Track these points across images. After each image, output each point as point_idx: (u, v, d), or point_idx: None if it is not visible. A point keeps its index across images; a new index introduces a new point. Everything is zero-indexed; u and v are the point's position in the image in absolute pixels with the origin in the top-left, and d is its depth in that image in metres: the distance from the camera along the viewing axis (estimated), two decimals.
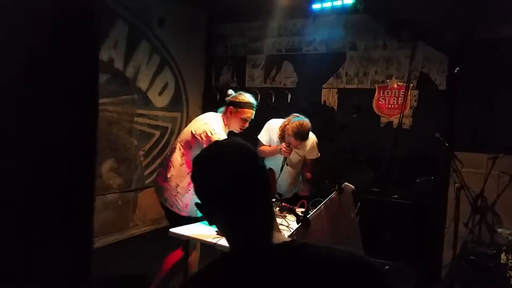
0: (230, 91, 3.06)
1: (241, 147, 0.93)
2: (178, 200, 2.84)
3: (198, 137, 2.79)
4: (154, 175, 4.56)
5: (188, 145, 2.85)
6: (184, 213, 2.85)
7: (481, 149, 4.14)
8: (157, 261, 2.99)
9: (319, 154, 3.66)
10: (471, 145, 4.17)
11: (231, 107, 2.93)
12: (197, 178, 0.91)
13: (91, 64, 0.77)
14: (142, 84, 4.98)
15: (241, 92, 3.03)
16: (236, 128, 3.01)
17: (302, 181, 3.70)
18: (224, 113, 2.97)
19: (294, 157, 3.50)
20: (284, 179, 3.51)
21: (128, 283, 3.57)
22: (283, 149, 3.27)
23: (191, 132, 2.85)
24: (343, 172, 4.34)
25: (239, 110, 2.92)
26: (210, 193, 0.89)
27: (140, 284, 3.50)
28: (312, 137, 3.53)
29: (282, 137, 3.34)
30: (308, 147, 3.53)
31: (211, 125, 2.81)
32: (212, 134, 2.73)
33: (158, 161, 5.10)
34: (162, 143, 5.25)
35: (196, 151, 2.71)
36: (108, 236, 4.66)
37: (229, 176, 0.86)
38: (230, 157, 0.90)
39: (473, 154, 4.19)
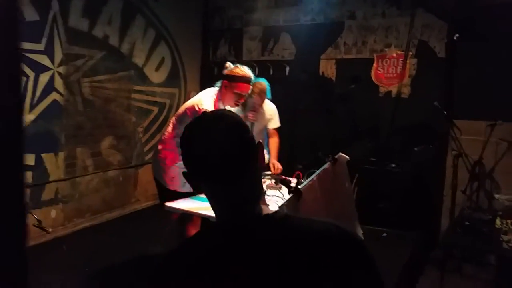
0: (228, 64, 2.91)
1: (228, 116, 0.93)
2: (165, 173, 2.84)
3: (187, 111, 2.77)
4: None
5: (179, 119, 2.85)
6: (171, 187, 2.84)
7: (480, 116, 4.10)
8: (159, 234, 3.05)
9: (279, 123, 3.61)
10: (470, 113, 4.13)
11: (225, 81, 2.79)
12: (184, 145, 0.91)
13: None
14: (138, 60, 4.94)
15: (238, 65, 2.87)
16: (231, 104, 2.86)
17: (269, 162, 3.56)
18: (220, 87, 2.85)
19: (256, 128, 3.47)
20: None
21: (132, 256, 3.64)
22: (250, 115, 3.29)
23: (184, 106, 2.86)
24: (342, 143, 4.35)
25: (233, 84, 2.76)
26: (195, 161, 0.89)
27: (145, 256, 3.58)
28: (271, 106, 3.53)
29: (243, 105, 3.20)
30: (267, 114, 3.50)
31: (200, 99, 2.77)
32: (198, 109, 2.68)
33: (158, 137, 5.11)
34: (160, 119, 5.25)
35: (183, 124, 2.70)
36: (111, 211, 4.74)
37: (214, 143, 0.86)
38: (216, 125, 0.90)
39: (472, 121, 4.16)
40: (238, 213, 0.89)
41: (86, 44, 4.30)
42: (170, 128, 2.90)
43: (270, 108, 3.54)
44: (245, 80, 2.79)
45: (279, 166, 3.38)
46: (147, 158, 5.07)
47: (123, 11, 4.67)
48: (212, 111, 0.97)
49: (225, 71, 2.83)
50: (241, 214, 0.89)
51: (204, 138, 0.88)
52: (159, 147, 2.91)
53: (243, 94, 2.82)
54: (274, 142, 3.57)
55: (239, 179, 0.88)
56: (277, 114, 3.58)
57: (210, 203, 0.94)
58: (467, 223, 3.42)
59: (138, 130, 5.03)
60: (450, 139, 4.18)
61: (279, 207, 1.99)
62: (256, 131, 3.48)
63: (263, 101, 3.38)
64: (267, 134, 3.62)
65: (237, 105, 2.88)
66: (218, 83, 2.89)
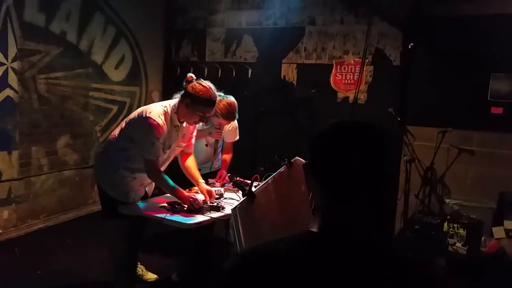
0: (191, 76, 2.63)
1: (380, 133, 0.89)
2: (107, 178, 2.69)
3: (137, 116, 2.62)
4: None
5: (129, 123, 2.70)
6: (112, 194, 2.66)
7: (431, 123, 4.30)
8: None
9: (238, 137, 3.47)
10: (422, 120, 4.32)
11: (188, 99, 2.55)
12: (321, 150, 0.88)
13: None
14: (97, 57, 4.83)
15: (202, 83, 2.60)
16: (189, 122, 2.69)
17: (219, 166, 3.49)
18: (180, 102, 2.60)
19: (210, 139, 3.33)
20: (200, 158, 3.29)
21: (89, 258, 3.57)
22: (216, 135, 3.20)
23: (136, 112, 2.70)
24: (302, 146, 4.43)
25: (196, 107, 2.55)
26: (339, 165, 0.85)
27: (101, 259, 3.52)
28: (234, 121, 3.35)
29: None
30: (229, 127, 3.34)
31: (150, 107, 2.59)
32: (144, 115, 2.51)
33: None
34: (120, 118, 5.15)
35: (128, 129, 2.64)
36: (67, 212, 4.61)
37: (366, 152, 0.84)
38: (368, 133, 0.88)
39: (424, 128, 4.36)
40: (347, 233, 0.86)
41: (43, 40, 4.17)
42: (117, 131, 2.73)
43: (232, 123, 3.36)
44: (210, 103, 2.60)
45: (226, 177, 3.29)
46: None
47: (82, 7, 4.56)
48: (363, 123, 0.91)
49: (189, 88, 2.58)
50: (351, 233, 0.85)
51: (356, 146, 0.85)
52: (103, 149, 2.78)
53: (206, 116, 2.64)
54: (228, 155, 3.47)
55: (375, 194, 0.86)
56: (237, 128, 3.44)
57: (318, 206, 0.90)
58: (416, 226, 3.58)
59: (96, 129, 4.92)
60: (404, 145, 4.36)
61: (232, 209, 2.02)
62: (211, 142, 3.37)
63: (230, 122, 3.24)
64: (222, 146, 3.50)
65: (195, 124, 2.76)
66: (177, 96, 2.67)
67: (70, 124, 4.58)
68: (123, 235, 2.67)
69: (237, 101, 3.25)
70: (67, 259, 3.55)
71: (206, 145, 3.35)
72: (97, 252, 3.65)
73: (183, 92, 2.62)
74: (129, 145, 2.62)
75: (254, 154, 4.99)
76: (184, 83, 2.63)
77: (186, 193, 2.63)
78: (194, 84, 2.58)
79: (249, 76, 5.32)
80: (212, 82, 2.70)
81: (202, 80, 2.64)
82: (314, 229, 0.87)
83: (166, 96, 5.74)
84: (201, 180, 2.84)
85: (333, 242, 0.84)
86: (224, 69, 5.43)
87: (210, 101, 2.58)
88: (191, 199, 2.52)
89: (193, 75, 2.64)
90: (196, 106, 2.55)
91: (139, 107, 5.39)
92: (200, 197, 2.66)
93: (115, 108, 5.12)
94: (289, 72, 5.10)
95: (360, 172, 0.83)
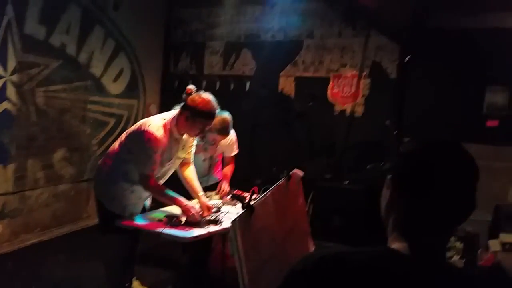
0: (190, 88, 2.59)
1: (471, 157, 0.90)
2: (106, 192, 2.69)
3: (137, 130, 2.59)
4: None
5: (129, 136, 2.68)
6: (110, 208, 2.64)
7: (427, 135, 4.31)
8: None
9: (237, 149, 3.48)
10: (419, 132, 4.34)
11: (187, 111, 2.52)
12: (415, 168, 0.89)
13: None
14: (96, 70, 4.84)
15: (203, 95, 2.57)
16: (190, 134, 2.68)
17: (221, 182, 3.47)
18: (180, 115, 2.57)
19: (206, 154, 3.33)
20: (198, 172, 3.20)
21: (84, 274, 3.52)
22: (211, 151, 3.22)
23: (136, 125, 2.68)
24: (299, 159, 4.44)
25: (196, 119, 2.52)
26: (422, 188, 0.87)
27: (96, 274, 3.47)
28: (232, 134, 3.33)
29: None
30: (227, 142, 3.34)
31: (149, 120, 2.57)
32: (143, 129, 2.49)
33: None
34: (117, 131, 5.14)
35: (128, 142, 2.63)
36: (61, 227, 4.56)
37: (448, 183, 0.85)
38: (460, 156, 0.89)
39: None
40: (437, 257, 0.87)
41: (42, 53, 4.17)
42: (117, 144, 2.71)
43: (230, 137, 3.35)
44: (211, 116, 2.57)
45: (227, 189, 3.29)
46: None
47: (82, 20, 4.58)
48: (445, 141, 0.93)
49: (188, 101, 2.53)
50: (439, 260, 0.87)
51: (450, 167, 0.87)
52: (102, 162, 2.74)
53: (206, 129, 2.64)
54: (229, 168, 3.47)
55: (459, 219, 0.88)
56: (236, 141, 3.43)
57: (404, 225, 0.90)
58: None
59: (93, 142, 4.90)
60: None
61: (231, 222, 2.01)
62: (209, 155, 3.37)
63: (224, 137, 3.22)
64: (223, 160, 3.51)
65: (196, 135, 2.72)
66: (177, 107, 2.64)
67: (67, 137, 4.56)
68: (119, 249, 2.65)
69: (234, 114, 3.24)
70: (61, 274, 3.50)
71: (204, 159, 3.34)
72: (91, 267, 3.59)
73: (182, 104, 2.59)
74: (129, 157, 2.60)
75: (251, 167, 4.98)
76: (184, 96, 2.59)
77: (186, 202, 2.59)
78: (194, 97, 2.54)
79: (247, 89, 5.35)
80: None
81: (202, 92, 2.61)
82: (395, 247, 0.88)
83: (164, 109, 5.72)
84: (201, 193, 2.82)
85: (421, 267, 0.84)
86: (222, 82, 5.46)
87: (210, 114, 2.56)
88: (192, 210, 2.50)
89: (192, 88, 2.60)
90: (196, 118, 2.52)
91: (137, 120, 5.46)
92: (198, 208, 2.64)
93: (112, 121, 5.12)
94: (287, 85, 5.13)
95: (451, 195, 0.85)
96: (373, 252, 0.88)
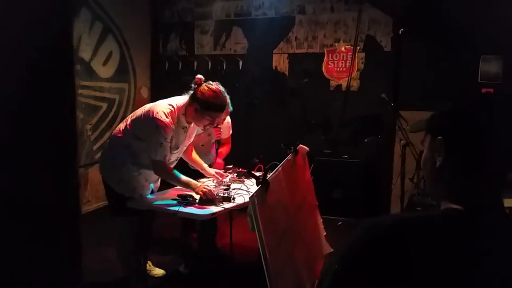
0: (199, 78, 2.60)
1: None
2: (113, 174, 2.66)
3: (143, 115, 2.58)
4: None
5: (135, 120, 2.64)
6: (118, 190, 2.63)
7: (424, 107, 4.36)
8: (113, 236, 2.93)
9: (231, 131, 3.48)
10: (415, 104, 4.38)
11: (197, 104, 2.54)
12: (472, 124, 0.88)
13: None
14: (85, 54, 4.71)
15: (211, 86, 2.58)
16: (199, 125, 2.72)
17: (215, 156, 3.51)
18: (189, 105, 2.59)
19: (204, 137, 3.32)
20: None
21: (88, 258, 3.49)
22: (216, 134, 3.23)
23: (142, 109, 2.66)
24: (296, 136, 4.44)
25: (207, 113, 2.55)
26: (479, 144, 0.86)
27: (101, 258, 3.45)
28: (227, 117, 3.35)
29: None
30: (225, 122, 3.35)
31: (158, 106, 2.56)
32: (151, 115, 2.49)
33: (107, 134, 4.92)
34: (110, 115, 5.05)
35: (134, 127, 2.61)
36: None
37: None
38: None
39: (417, 112, 4.40)
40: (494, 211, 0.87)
41: None
42: (122, 127, 2.69)
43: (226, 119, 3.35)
44: (221, 109, 2.60)
45: (222, 164, 3.35)
46: (97, 157, 4.86)
47: None
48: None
49: (198, 93, 2.55)
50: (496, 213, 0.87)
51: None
52: (108, 146, 2.72)
53: (215, 121, 2.66)
54: (225, 148, 3.49)
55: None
56: (230, 121, 3.43)
57: (460, 183, 0.89)
58: (418, 208, 3.64)
59: (87, 127, 4.81)
60: (397, 130, 4.42)
61: (250, 198, 2.01)
62: (207, 141, 3.36)
63: (228, 114, 3.22)
64: (219, 141, 3.50)
65: (205, 126, 2.73)
66: (185, 96, 2.64)
67: None
68: (132, 231, 2.64)
69: (229, 93, 3.16)
70: None
71: (203, 145, 3.34)
72: (95, 251, 3.58)
73: (191, 94, 2.60)
74: (134, 142, 2.60)
75: (247, 145, 4.98)
76: (193, 85, 2.60)
77: (199, 184, 2.62)
78: (203, 88, 2.55)
79: (240, 68, 5.29)
80: (202, 75, 2.66)
81: (210, 82, 2.61)
82: (454, 206, 0.87)
83: (155, 92, 5.71)
84: (205, 165, 2.93)
85: (481, 222, 0.85)
86: (214, 62, 5.39)
87: (220, 107, 2.58)
88: (205, 190, 2.51)
89: (201, 77, 2.61)
90: (206, 111, 2.55)
91: (129, 103, 5.38)
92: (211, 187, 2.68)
93: (104, 106, 5.02)
94: (280, 62, 5.09)
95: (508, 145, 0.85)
96: (435, 215, 0.88)
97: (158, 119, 2.45)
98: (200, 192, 2.50)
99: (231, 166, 3.23)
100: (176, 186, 2.74)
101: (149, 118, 2.49)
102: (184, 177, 2.58)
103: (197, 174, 2.95)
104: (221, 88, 2.62)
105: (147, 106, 2.65)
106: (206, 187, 2.55)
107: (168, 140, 2.50)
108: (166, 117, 2.48)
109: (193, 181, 2.60)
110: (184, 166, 2.97)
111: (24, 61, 0.73)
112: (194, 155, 3.01)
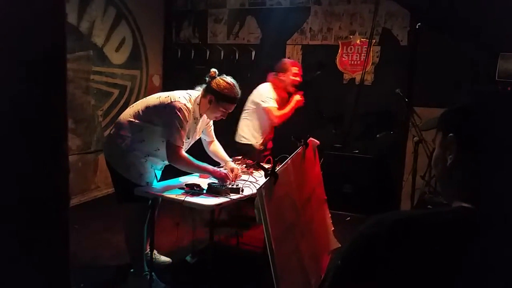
0: (214, 71, 2.71)
1: None
2: (121, 160, 2.66)
3: (161, 100, 2.64)
4: None
5: (150, 108, 2.66)
6: (126, 176, 2.64)
7: (438, 104, 4.27)
8: (122, 222, 2.95)
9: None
10: (430, 101, 4.29)
11: (211, 95, 2.64)
12: (483, 121, 0.84)
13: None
14: (98, 39, 4.71)
15: (226, 79, 2.69)
16: (210, 117, 2.81)
17: None
18: (203, 97, 2.69)
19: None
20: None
21: (96, 243, 3.52)
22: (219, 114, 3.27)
23: (159, 98, 2.68)
24: (307, 129, 4.39)
25: (221, 103, 2.65)
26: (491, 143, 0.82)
27: (109, 243, 3.48)
28: None
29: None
30: None
31: (178, 94, 2.64)
32: (171, 101, 2.56)
33: None
34: (121, 102, 5.06)
35: (149, 113, 2.63)
36: (70, 199, 4.53)
37: None
38: None
39: (431, 109, 4.32)
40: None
41: None
42: (131, 113, 2.68)
43: None
44: (234, 101, 2.71)
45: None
46: None
47: None
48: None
49: (213, 84, 2.66)
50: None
51: None
52: (116, 131, 2.69)
53: (227, 113, 2.75)
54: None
55: None
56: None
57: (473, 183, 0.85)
58: (429, 206, 3.59)
59: (98, 113, 4.82)
60: (411, 126, 4.34)
61: (258, 189, 1.99)
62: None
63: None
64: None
65: (217, 119, 2.81)
66: (199, 88, 2.74)
67: (72, 108, 4.47)
68: (141, 217, 2.65)
69: (241, 84, 3.20)
70: (74, 244, 3.48)
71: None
72: (103, 237, 3.61)
73: (205, 86, 2.70)
74: (147, 127, 2.62)
75: None
76: (207, 79, 2.70)
77: (214, 168, 2.72)
78: (218, 81, 2.67)
79: (253, 59, 5.24)
80: (214, 65, 2.85)
81: (225, 76, 2.73)
82: (465, 205, 0.84)
83: (167, 80, 5.69)
84: (229, 159, 2.99)
85: (493, 221, 0.80)
86: (226, 52, 5.35)
87: (234, 99, 2.69)
88: (223, 174, 2.62)
89: (215, 70, 2.73)
90: (220, 103, 2.65)
91: (140, 91, 5.37)
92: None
93: (116, 92, 5.02)
94: (294, 53, 5.03)
95: None
96: (445, 212, 0.84)
97: (180, 102, 2.56)
98: (219, 176, 2.60)
99: (240, 157, 3.21)
100: (189, 174, 2.78)
101: (169, 104, 2.57)
102: (199, 162, 2.65)
103: None
104: (235, 82, 2.74)
105: (162, 94, 2.70)
106: (222, 171, 2.65)
107: (186, 126, 2.57)
108: (187, 102, 2.60)
109: (209, 167, 2.69)
110: None
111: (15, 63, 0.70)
112: (215, 146, 3.07)
